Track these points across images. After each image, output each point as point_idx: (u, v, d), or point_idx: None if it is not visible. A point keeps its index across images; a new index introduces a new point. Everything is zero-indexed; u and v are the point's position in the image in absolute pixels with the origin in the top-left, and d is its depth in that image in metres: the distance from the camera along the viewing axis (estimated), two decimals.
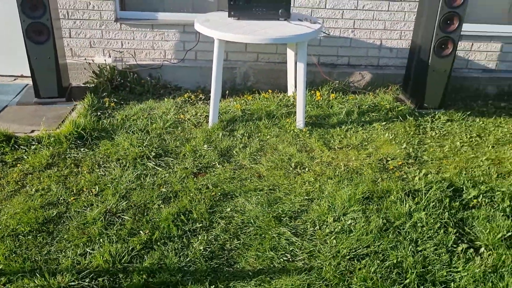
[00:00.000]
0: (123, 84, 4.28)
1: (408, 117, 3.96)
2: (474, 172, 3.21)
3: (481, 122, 3.99)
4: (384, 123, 3.88)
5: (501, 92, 4.60)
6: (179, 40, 4.41)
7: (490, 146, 3.60)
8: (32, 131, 3.49)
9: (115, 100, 4.07)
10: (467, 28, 4.47)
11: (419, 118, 3.98)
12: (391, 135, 3.68)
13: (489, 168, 3.27)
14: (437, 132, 3.80)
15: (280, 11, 3.62)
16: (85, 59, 4.40)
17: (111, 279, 2.20)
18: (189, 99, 4.20)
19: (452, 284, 2.22)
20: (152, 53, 4.47)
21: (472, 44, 4.52)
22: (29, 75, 3.92)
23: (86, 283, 2.16)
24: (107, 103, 3.99)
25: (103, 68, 4.29)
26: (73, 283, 2.15)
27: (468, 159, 3.39)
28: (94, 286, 2.16)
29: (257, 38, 3.25)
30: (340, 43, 4.48)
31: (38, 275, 2.18)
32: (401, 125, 3.84)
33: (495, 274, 2.28)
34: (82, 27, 4.33)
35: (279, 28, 3.46)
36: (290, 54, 4.17)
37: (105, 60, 4.39)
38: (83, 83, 4.37)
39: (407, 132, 3.75)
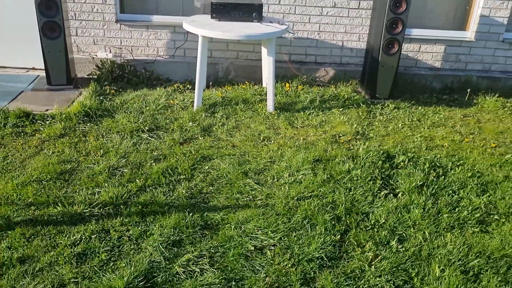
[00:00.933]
0: (121, 76, 5.01)
1: (362, 104, 4.73)
2: (408, 145, 3.97)
3: (422, 110, 4.77)
4: (341, 109, 4.63)
5: (445, 87, 5.39)
6: (170, 39, 5.16)
7: (426, 127, 4.37)
8: (47, 110, 4.20)
9: (114, 88, 4.79)
10: (416, 32, 5.27)
11: (371, 106, 4.75)
12: (346, 118, 4.43)
13: (420, 143, 4.03)
14: (384, 117, 4.56)
15: (253, 14, 4.38)
16: (89, 54, 5.13)
17: (115, 209, 2.91)
18: (178, 89, 4.94)
19: (371, 215, 2.95)
20: (146, 50, 5.21)
21: (420, 46, 5.32)
22: (40, 67, 4.64)
23: (96, 211, 2.87)
24: (108, 90, 4.72)
25: (104, 62, 5.02)
26: (86, 211, 2.86)
27: (406, 136, 4.15)
28: (102, 213, 2.87)
29: (233, 35, 4.01)
30: (308, 44, 5.26)
31: (59, 205, 2.89)
32: (355, 111, 4.60)
33: (405, 208, 3.02)
34: (87, 27, 5.06)
35: (252, 28, 4.21)
36: (264, 52, 4.93)
37: (106, 55, 5.12)
38: (87, 75, 5.09)
39: (359, 116, 4.51)
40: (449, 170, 3.54)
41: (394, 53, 4.70)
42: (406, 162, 3.59)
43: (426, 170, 3.49)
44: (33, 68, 5.24)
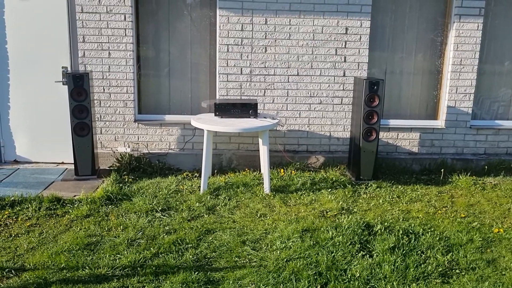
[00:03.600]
0: (138, 167, 5.78)
1: (348, 185, 5.38)
2: (387, 217, 4.55)
3: (402, 188, 5.40)
4: (330, 189, 5.29)
5: (423, 168, 6.06)
6: (180, 134, 5.99)
7: (404, 202, 4.98)
8: (74, 196, 4.90)
9: (132, 177, 5.53)
10: (394, 122, 6.08)
11: (356, 186, 5.40)
12: (333, 197, 5.07)
13: (398, 215, 4.61)
14: (368, 195, 5.19)
15: (250, 111, 5.24)
16: (111, 149, 5.95)
17: (133, 270, 3.48)
18: (187, 177, 5.67)
19: (348, 271, 3.48)
20: (160, 144, 6.03)
21: (398, 134, 6.10)
22: (68, 161, 5.42)
23: (117, 272, 3.44)
24: (126, 179, 5.45)
25: (124, 156, 5.81)
26: (108, 272, 3.43)
27: (386, 210, 4.75)
28: (122, 273, 3.43)
29: (233, 128, 4.81)
30: (300, 135, 6.06)
31: (87, 268, 3.47)
32: (342, 191, 5.24)
33: (378, 265, 3.55)
34: (110, 126, 5.94)
35: (248, 123, 5.03)
36: (260, 142, 5.72)
37: (125, 149, 5.94)
38: (109, 167, 5.87)
39: (345, 195, 5.15)
40: (421, 235, 4.09)
41: (372, 140, 5.45)
42: (383, 230, 4.15)
43: (400, 235, 4.04)
44: (62, 163, 6.04)
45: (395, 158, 6.05)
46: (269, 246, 3.90)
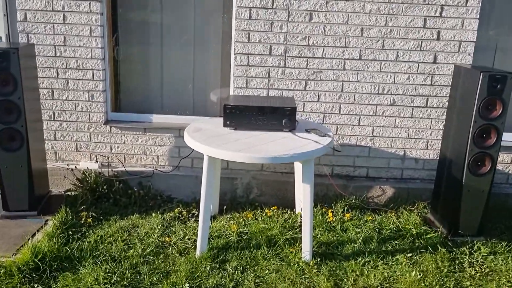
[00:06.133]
0: (107, 195, 3.76)
1: (439, 247, 3.25)
2: None
3: None
4: (409, 254, 3.18)
5: None
6: (174, 145, 3.94)
7: None
8: None
9: (93, 214, 3.52)
10: (506, 137, 3.87)
11: (454, 250, 3.27)
12: (419, 273, 2.96)
13: None
14: (477, 269, 3.06)
15: (284, 121, 3.11)
16: (68, 165, 3.94)
17: None
18: (180, 215, 3.62)
19: None
20: (143, 159, 3.99)
21: None
22: None
23: None
24: (83, 218, 3.44)
25: (88, 174, 3.81)
26: None
27: None
28: None
29: (253, 157, 2.71)
30: (357, 152, 3.92)
31: None
32: (431, 259, 3.13)
33: None
34: (68, 129, 3.92)
35: (280, 142, 2.92)
36: (298, 165, 3.61)
37: (88, 167, 3.92)
38: (65, 191, 3.88)
39: (439, 269, 3.03)
40: None
41: (485, 173, 3.28)
42: None
43: None
44: None
45: (507, 194, 3.88)
46: None
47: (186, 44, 3.94)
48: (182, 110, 4.06)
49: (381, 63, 3.73)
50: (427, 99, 3.79)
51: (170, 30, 3.92)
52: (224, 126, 3.15)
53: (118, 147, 3.96)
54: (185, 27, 3.91)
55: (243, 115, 3.12)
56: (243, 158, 2.72)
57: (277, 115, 3.12)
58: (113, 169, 3.91)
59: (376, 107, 3.82)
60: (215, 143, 2.85)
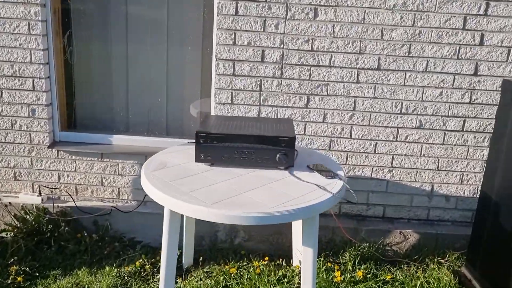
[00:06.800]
0: (48, 240, 2.92)
1: None
2: None
3: None
4: None
5: None
6: (140, 175, 3.10)
7: None
8: None
9: (27, 269, 2.68)
10: None
11: None
12: None
13: None
14: None
15: (278, 156, 2.26)
16: (1, 200, 3.09)
17: None
18: (142, 269, 2.78)
19: None
20: (100, 191, 3.14)
21: None
22: None
23: None
24: (12, 276, 2.60)
25: (28, 211, 2.98)
26: None
27: None
28: None
29: (231, 215, 1.86)
30: (372, 187, 3.08)
31: None
32: None
33: None
34: (4, 153, 3.07)
35: (272, 189, 2.08)
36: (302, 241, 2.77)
37: (33, 199, 3.07)
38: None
39: None
40: None
41: None
42: None
43: None
44: None
45: None
46: None
47: (158, 45, 3.09)
48: (152, 130, 3.22)
49: (405, 74, 2.88)
50: (464, 121, 2.95)
51: (138, 28, 3.07)
52: (197, 161, 2.30)
53: (67, 176, 3.11)
54: (156, 24, 3.06)
55: (223, 147, 2.27)
56: (217, 217, 1.87)
57: (269, 148, 2.27)
58: (61, 204, 3.07)
59: (398, 131, 2.98)
60: (180, 191, 2.01)
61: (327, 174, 2.25)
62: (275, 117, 2.96)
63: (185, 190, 2.02)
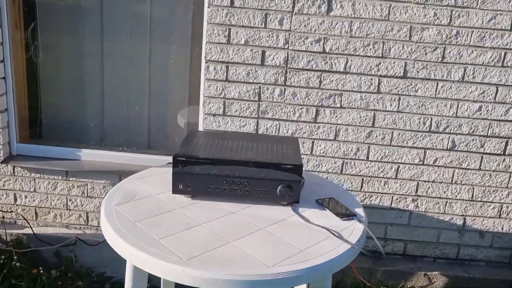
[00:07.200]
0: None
1: None
2: None
3: None
4: None
5: None
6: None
7: None
8: None
9: None
10: None
11: None
12: None
13: None
14: None
15: (279, 188, 1.74)
16: None
17: None
18: None
19: None
20: (65, 216, 2.63)
21: None
22: None
23: None
24: None
25: None
26: None
27: None
28: None
29: (212, 279, 1.34)
30: (391, 218, 2.56)
31: None
32: None
33: None
34: None
35: (271, 235, 1.56)
36: None
37: None
38: None
39: None
40: None
41: None
42: None
43: None
44: None
45: None
46: None
47: (139, 42, 2.58)
48: (131, 143, 2.71)
49: (437, 84, 2.36)
50: (507, 142, 2.43)
51: (116, 21, 2.55)
52: (174, 192, 1.78)
53: (25, 197, 2.59)
54: (137, 17, 2.55)
55: (208, 176, 1.75)
56: (194, 280, 1.35)
57: (268, 178, 1.75)
58: (16, 231, 2.55)
59: (425, 152, 2.46)
60: (149, 237, 1.49)
61: (343, 213, 1.73)
62: (277, 133, 2.44)
63: (155, 235, 1.50)
